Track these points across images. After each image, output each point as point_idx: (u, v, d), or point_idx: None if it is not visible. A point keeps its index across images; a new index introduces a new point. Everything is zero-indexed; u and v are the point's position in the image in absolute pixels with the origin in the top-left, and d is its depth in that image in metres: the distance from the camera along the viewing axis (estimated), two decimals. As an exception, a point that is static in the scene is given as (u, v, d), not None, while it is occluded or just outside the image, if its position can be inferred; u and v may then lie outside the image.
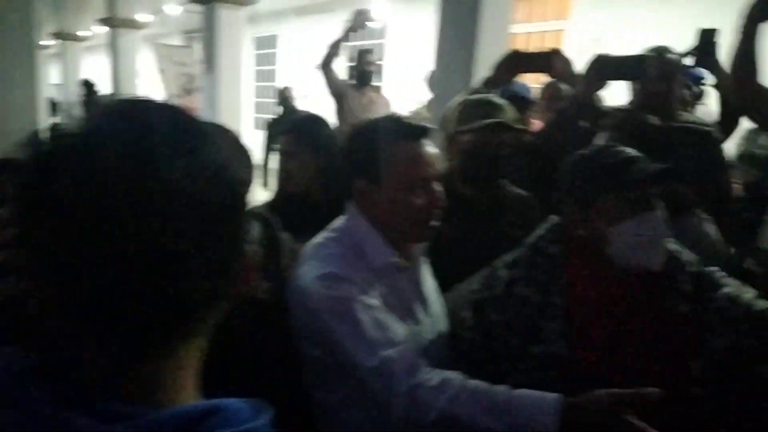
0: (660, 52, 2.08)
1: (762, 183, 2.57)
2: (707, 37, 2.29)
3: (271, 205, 1.81)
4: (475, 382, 1.09)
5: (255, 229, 1.48)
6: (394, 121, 1.29)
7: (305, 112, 2.26)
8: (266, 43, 11.12)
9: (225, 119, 5.54)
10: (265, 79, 11.13)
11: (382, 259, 1.26)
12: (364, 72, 4.07)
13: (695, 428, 1.16)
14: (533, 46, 6.28)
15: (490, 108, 1.75)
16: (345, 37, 3.95)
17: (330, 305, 1.18)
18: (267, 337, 1.26)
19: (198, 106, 6.34)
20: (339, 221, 1.35)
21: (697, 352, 1.16)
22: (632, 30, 5.03)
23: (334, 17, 8.93)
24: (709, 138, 2.08)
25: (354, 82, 4.13)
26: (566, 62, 2.08)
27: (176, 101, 5.78)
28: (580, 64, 2.01)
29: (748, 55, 1.81)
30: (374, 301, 1.20)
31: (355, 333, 1.17)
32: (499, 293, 1.28)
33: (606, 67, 1.91)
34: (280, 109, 6.13)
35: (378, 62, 8.50)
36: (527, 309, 1.23)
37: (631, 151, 1.25)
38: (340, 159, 1.57)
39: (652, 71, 1.93)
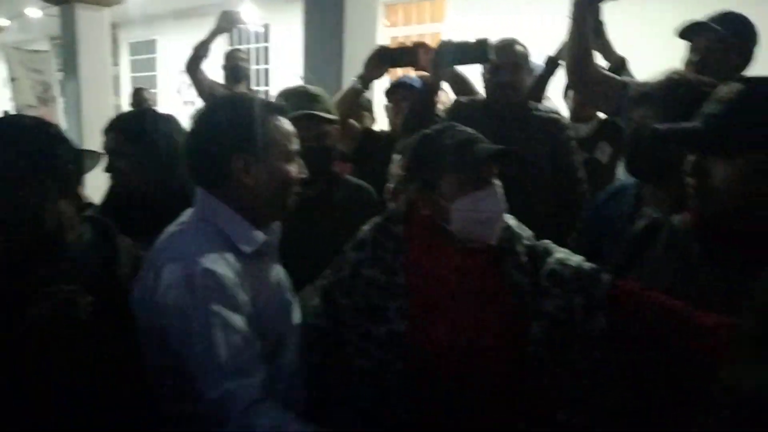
0: (508, 44, 2.17)
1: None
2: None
3: (103, 208, 1.67)
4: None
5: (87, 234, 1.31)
6: (250, 99, 1.29)
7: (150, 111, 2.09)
8: (143, 48, 10.56)
9: (90, 128, 5.17)
10: (144, 85, 10.55)
11: (254, 243, 1.23)
12: (234, 69, 3.99)
13: (537, 386, 1.21)
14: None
15: (305, 99, 1.74)
16: (210, 39, 3.83)
17: (187, 314, 1.11)
18: (86, 365, 1.13)
19: (55, 116, 5.86)
20: (189, 213, 1.28)
21: (534, 316, 1.21)
22: (505, 33, 5.24)
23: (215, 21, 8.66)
24: (557, 124, 2.20)
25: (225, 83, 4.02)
26: (432, 53, 2.09)
27: (30, 112, 5.28)
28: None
29: (581, 38, 1.90)
30: (236, 318, 1.14)
31: (206, 355, 1.11)
32: (347, 276, 1.28)
33: (450, 52, 1.96)
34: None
35: (264, 66, 8.36)
36: (373, 290, 1.24)
37: (470, 132, 1.29)
38: (178, 153, 1.50)
39: (493, 55, 1.99)
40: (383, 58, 2.17)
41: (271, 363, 1.23)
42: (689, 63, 1.96)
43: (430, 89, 2.04)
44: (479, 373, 1.20)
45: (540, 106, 2.28)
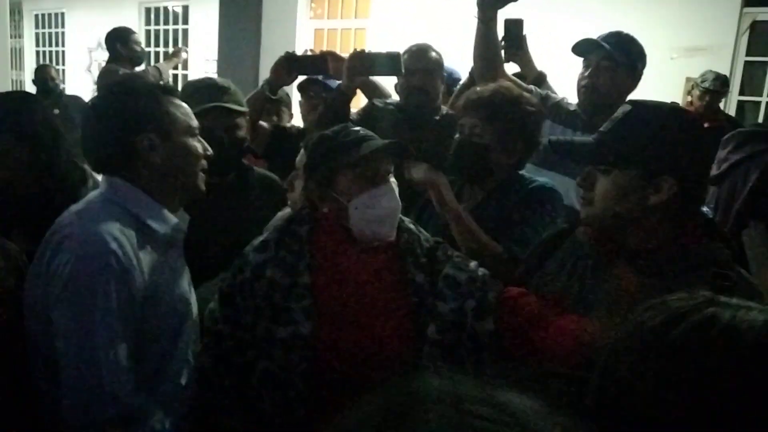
0: (422, 49, 2.21)
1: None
2: (513, 28, 2.28)
3: None
4: None
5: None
6: (142, 80, 1.29)
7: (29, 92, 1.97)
8: (51, 21, 9.88)
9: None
10: (50, 61, 9.88)
11: (166, 223, 1.25)
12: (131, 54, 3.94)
13: None
14: (335, 42, 6.36)
15: (214, 91, 1.74)
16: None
17: (78, 296, 1.11)
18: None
19: None
20: (95, 193, 1.26)
21: (431, 318, 1.24)
22: (428, 30, 5.31)
23: (130, -4, 8.23)
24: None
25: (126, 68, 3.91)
26: (341, 62, 2.16)
27: None
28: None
29: (490, 40, 1.96)
30: (122, 312, 1.15)
31: (80, 351, 1.11)
32: (248, 278, 1.25)
33: (364, 63, 2.04)
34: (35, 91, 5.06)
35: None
36: (275, 291, 1.22)
37: (364, 131, 1.31)
38: (56, 138, 1.52)
39: (403, 69, 2.07)
40: (291, 65, 2.21)
41: (163, 356, 1.26)
42: (582, 78, 2.06)
43: (343, 96, 2.08)
44: (382, 373, 1.20)
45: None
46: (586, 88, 2.03)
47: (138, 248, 1.20)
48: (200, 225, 1.42)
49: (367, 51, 2.07)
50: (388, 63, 2.05)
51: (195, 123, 1.32)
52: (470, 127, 1.59)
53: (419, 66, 2.16)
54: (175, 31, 8.14)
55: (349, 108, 2.14)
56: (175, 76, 5.88)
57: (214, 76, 3.71)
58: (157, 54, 8.08)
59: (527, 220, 1.55)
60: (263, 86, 2.22)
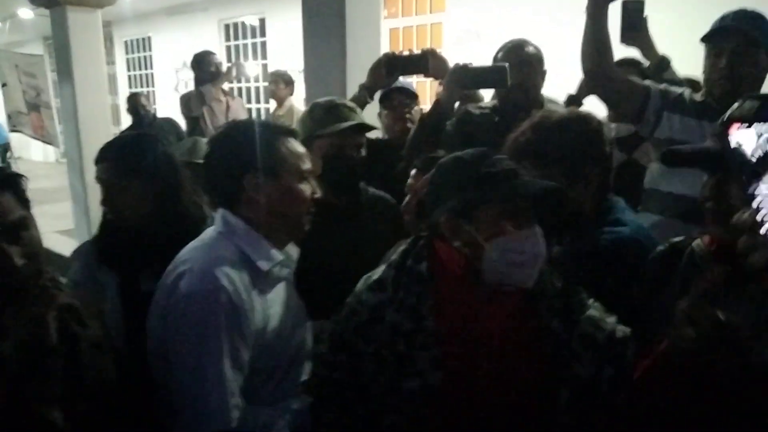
0: (518, 45, 2.08)
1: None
2: (633, 8, 2.08)
3: (98, 242, 1.57)
4: None
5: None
6: (262, 123, 1.39)
7: (150, 124, 2.04)
8: (138, 46, 10.43)
9: (87, 131, 5.04)
10: (141, 83, 10.44)
11: (271, 261, 1.27)
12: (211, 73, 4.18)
13: None
14: (411, 40, 6.27)
15: (345, 110, 1.74)
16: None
17: (193, 331, 1.16)
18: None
19: (45, 122, 5.69)
20: (210, 230, 1.32)
21: (564, 380, 1.09)
22: (509, 21, 5.11)
23: (209, 16, 8.51)
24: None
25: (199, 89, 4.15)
26: (442, 61, 2.07)
27: (19, 119, 5.11)
28: (460, 56, 1.98)
29: (597, 35, 1.79)
30: (238, 349, 1.18)
31: (193, 385, 1.16)
32: (365, 320, 1.15)
33: (466, 77, 1.91)
34: (130, 119, 5.34)
35: (263, 61, 8.20)
36: (397, 337, 1.11)
37: (511, 163, 1.15)
38: (177, 178, 1.56)
39: (509, 81, 1.92)
40: (390, 66, 2.10)
41: (277, 392, 1.28)
42: (714, 69, 1.80)
43: (442, 110, 1.94)
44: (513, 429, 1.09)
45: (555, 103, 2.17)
46: (725, 80, 1.76)
47: (250, 285, 1.23)
48: (313, 255, 1.42)
49: (470, 65, 1.92)
50: (494, 76, 1.91)
51: (307, 166, 1.35)
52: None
53: (515, 62, 2.01)
54: (254, 45, 8.34)
55: (444, 124, 2.01)
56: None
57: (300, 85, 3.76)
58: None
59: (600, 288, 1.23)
60: (361, 91, 2.14)
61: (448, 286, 1.14)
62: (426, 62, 2.06)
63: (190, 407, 1.16)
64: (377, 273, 1.21)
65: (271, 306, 1.28)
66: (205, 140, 2.84)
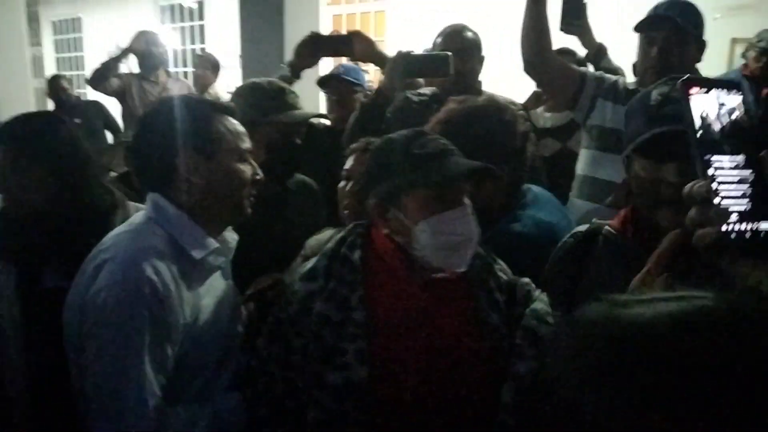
0: (457, 30, 2.07)
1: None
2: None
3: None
4: None
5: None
6: (195, 99, 1.28)
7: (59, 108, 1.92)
8: (68, 27, 9.89)
9: (7, 116, 4.73)
10: (71, 67, 9.91)
11: (204, 249, 1.18)
12: (149, 56, 3.93)
13: None
14: (354, 26, 6.19)
15: (292, 97, 1.69)
16: (119, 59, 3.84)
17: (113, 325, 1.06)
18: None
19: None
20: (140, 215, 1.22)
21: (506, 375, 1.06)
22: (450, 8, 5.11)
23: (144, -3, 8.16)
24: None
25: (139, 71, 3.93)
26: (368, 43, 2.02)
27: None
28: (401, 44, 1.89)
29: (536, 22, 1.79)
30: (159, 346, 1.10)
31: (108, 383, 1.07)
32: (296, 311, 1.10)
33: (408, 64, 1.86)
34: (50, 103, 4.94)
35: (201, 45, 7.93)
36: (326, 329, 1.06)
37: (443, 142, 1.11)
38: (82, 162, 1.44)
39: (453, 70, 1.88)
40: (317, 47, 2.04)
41: (207, 387, 1.20)
42: (647, 58, 1.83)
43: (384, 98, 1.89)
44: (447, 428, 1.05)
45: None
46: (655, 69, 1.78)
47: (179, 276, 1.14)
48: (248, 243, 1.33)
49: (412, 52, 1.87)
50: (436, 65, 1.86)
51: (246, 145, 1.25)
52: None
53: (453, 48, 1.98)
54: (192, 28, 8.05)
55: (384, 112, 1.96)
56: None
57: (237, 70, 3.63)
58: (175, 52, 8.01)
59: None
60: (284, 69, 2.06)
61: (382, 276, 1.10)
62: (350, 44, 2.01)
63: (107, 406, 1.08)
64: (310, 262, 1.16)
65: (203, 297, 1.19)
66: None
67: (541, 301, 1.12)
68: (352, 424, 1.02)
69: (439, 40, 2.08)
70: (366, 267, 1.10)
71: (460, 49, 2.01)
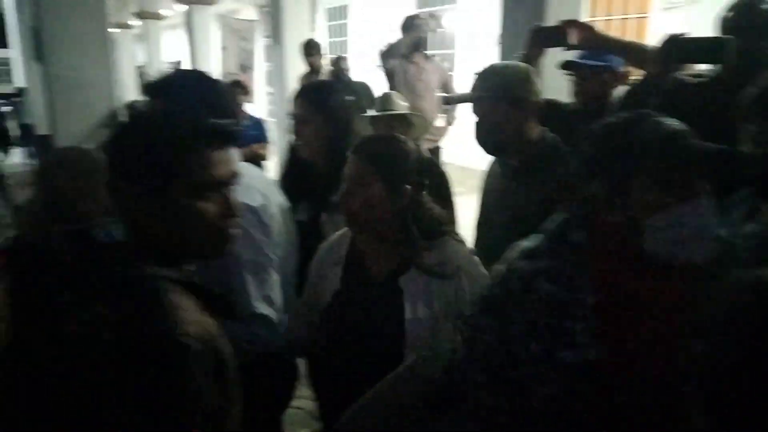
0: (754, 4, 1.81)
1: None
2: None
3: (284, 176, 1.97)
4: None
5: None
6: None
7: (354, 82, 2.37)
8: (337, 14, 11.01)
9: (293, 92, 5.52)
10: (338, 51, 11.07)
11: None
12: (416, 40, 4.21)
13: None
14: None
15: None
16: (410, 39, 4.17)
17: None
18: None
19: (252, 83, 6.25)
20: None
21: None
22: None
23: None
24: None
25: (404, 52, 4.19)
26: (587, 30, 1.98)
27: (232, 78, 5.71)
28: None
29: None
30: None
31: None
32: (518, 289, 1.13)
33: (680, 50, 1.73)
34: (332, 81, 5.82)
35: (441, 29, 8.18)
36: (551, 308, 1.08)
37: (677, 124, 1.04)
38: (347, 128, 1.80)
39: (732, 55, 1.68)
40: (535, 38, 2.09)
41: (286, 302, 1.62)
42: None
43: (651, 84, 1.78)
44: (672, 415, 1.01)
45: None
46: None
47: None
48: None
49: (684, 35, 1.74)
50: (712, 49, 1.71)
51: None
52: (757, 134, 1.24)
53: (747, 24, 1.76)
54: (443, 11, 8.35)
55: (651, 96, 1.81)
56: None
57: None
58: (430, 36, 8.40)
59: None
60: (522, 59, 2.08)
61: (606, 259, 1.08)
62: (563, 34, 1.99)
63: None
64: (529, 241, 1.18)
65: None
66: (395, 93, 3.05)
67: None
68: (584, 402, 1.04)
69: (732, 13, 1.84)
70: (590, 249, 1.09)
71: (753, 26, 1.78)
